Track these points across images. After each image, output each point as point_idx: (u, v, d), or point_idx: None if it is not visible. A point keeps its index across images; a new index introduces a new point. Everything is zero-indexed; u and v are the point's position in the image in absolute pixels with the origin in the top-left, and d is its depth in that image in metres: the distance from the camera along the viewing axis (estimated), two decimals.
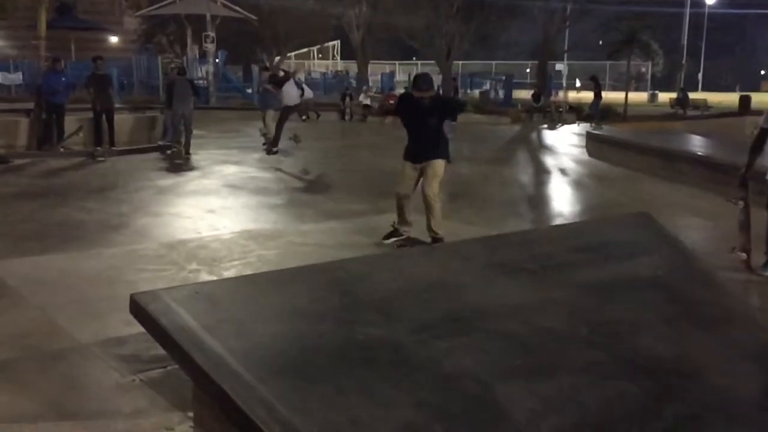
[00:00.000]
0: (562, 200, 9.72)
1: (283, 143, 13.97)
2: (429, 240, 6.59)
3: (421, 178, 6.61)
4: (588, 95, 27.15)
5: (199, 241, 6.71)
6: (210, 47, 26.65)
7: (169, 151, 14.11)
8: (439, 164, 6.57)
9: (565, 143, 18.72)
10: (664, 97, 46.88)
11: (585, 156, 15.22)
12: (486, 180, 11.31)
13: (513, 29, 47.15)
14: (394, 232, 6.73)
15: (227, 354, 3.20)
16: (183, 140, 14.36)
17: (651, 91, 47.36)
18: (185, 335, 3.33)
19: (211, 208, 8.41)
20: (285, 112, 13.75)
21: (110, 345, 4.13)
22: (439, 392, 3.05)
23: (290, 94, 13.94)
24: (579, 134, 20.93)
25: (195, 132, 14.72)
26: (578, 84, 46.75)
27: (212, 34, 26.39)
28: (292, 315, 3.61)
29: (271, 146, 14.83)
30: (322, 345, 3.31)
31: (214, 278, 5.50)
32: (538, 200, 9.70)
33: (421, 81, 6.60)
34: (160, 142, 14.47)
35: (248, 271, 5.69)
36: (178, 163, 12.82)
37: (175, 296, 3.66)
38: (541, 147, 17.55)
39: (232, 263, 5.93)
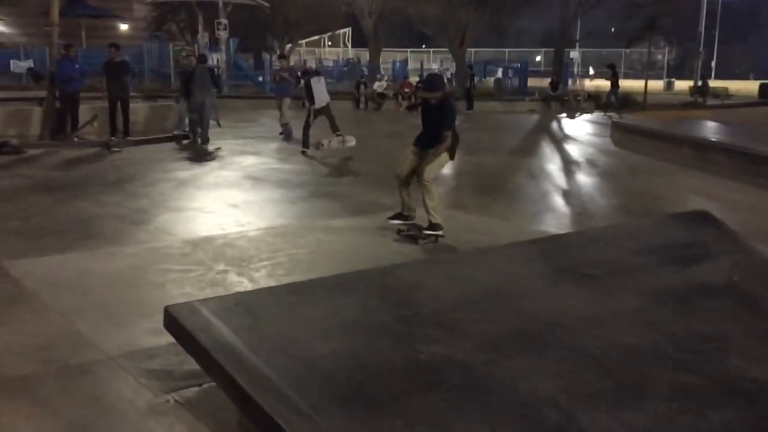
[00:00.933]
0: (597, 193, 9.30)
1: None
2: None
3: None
4: (602, 83, 26.57)
5: (225, 238, 6.36)
6: (222, 34, 26.23)
7: (185, 141, 13.79)
8: (435, 153, 6.46)
9: (587, 132, 18.26)
10: (680, 85, 46.26)
11: (611, 146, 14.78)
12: (514, 171, 10.92)
13: (524, 17, 46.49)
14: (399, 215, 6.75)
15: (276, 376, 2.84)
16: (199, 130, 14.05)
17: (667, 79, 46.61)
18: (228, 354, 2.98)
19: (233, 202, 8.06)
20: (315, 114, 12.28)
21: (139, 358, 3.78)
22: (518, 423, 2.69)
23: (321, 94, 12.33)
24: (600, 123, 20.50)
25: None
26: (592, 72, 46.03)
27: (225, 21, 25.95)
28: (345, 329, 3.26)
29: (288, 135, 14.47)
30: (383, 366, 2.95)
31: (244, 280, 5.16)
32: (571, 193, 9.28)
33: (424, 81, 7.06)
34: (176, 132, 14.13)
35: (279, 272, 5.34)
36: (195, 153, 12.48)
37: (214, 308, 3.32)
38: (564, 136, 17.08)
39: (262, 263, 5.57)
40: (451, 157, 6.64)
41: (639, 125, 14.98)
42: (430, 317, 3.39)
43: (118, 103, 13.39)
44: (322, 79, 13.07)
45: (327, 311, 3.34)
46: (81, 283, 5.02)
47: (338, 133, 12.29)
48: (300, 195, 8.62)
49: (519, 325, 3.41)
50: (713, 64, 55.86)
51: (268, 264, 5.56)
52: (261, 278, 5.20)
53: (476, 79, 27.13)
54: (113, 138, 12.85)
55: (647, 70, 31.51)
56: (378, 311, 3.39)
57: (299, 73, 13.57)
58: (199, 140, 13.34)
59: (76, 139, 12.82)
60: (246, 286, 5.02)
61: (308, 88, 12.27)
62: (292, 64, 49.44)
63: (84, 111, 13.41)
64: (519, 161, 12.13)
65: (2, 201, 7.90)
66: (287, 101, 14.95)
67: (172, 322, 3.22)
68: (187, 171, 10.33)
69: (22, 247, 5.96)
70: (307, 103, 12.39)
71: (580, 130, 19.11)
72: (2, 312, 4.41)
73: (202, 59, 14.42)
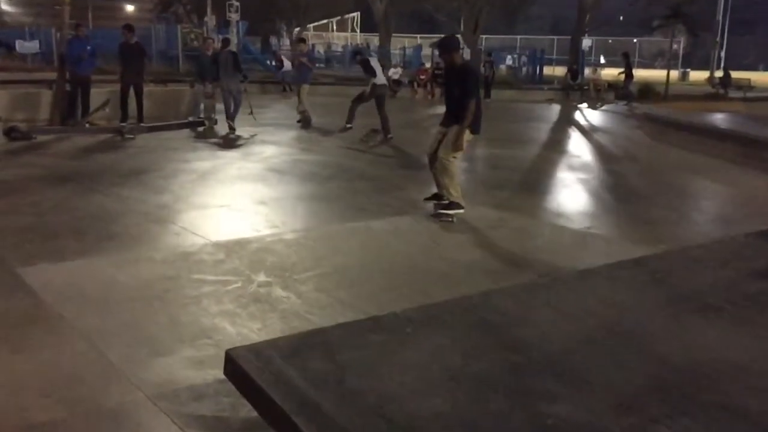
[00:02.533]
0: (660, 194, 8.59)
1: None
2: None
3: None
4: (612, 72, 25.78)
5: (260, 242, 5.74)
6: (234, 17, 25.47)
7: (200, 128, 13.16)
8: (453, 131, 6.54)
9: (615, 124, 17.62)
10: (694, 75, 45.48)
11: (643, 138, 14.15)
12: (555, 167, 10.28)
13: (535, 3, 45.66)
14: (435, 196, 6.83)
15: None
16: (215, 116, 13.44)
17: (682, 69, 45.75)
18: (308, 417, 2.36)
19: (261, 198, 7.43)
20: (372, 92, 12.01)
21: (183, 399, 3.18)
22: None
23: (380, 72, 12.23)
24: (624, 114, 19.84)
25: (218, 107, 13.75)
26: (603, 60, 45.20)
27: (237, 2, 25.19)
28: (448, 382, 2.64)
29: (307, 122, 13.84)
30: None
31: (291, 295, 4.54)
32: (625, 194, 8.60)
33: (439, 45, 7.06)
34: (191, 118, 13.50)
35: (328, 285, 4.73)
36: (212, 141, 11.85)
37: (286, 352, 2.70)
38: (594, 128, 16.39)
39: (306, 273, 4.96)
40: (474, 131, 6.62)
41: (677, 119, 14.31)
42: (545, 364, 2.78)
43: (131, 88, 12.69)
44: (376, 59, 12.84)
45: (422, 356, 2.73)
46: (106, 296, 4.42)
47: (390, 136, 11.75)
48: (330, 191, 7.99)
49: (654, 373, 2.80)
50: (722, 54, 55.05)
51: (313, 275, 4.94)
52: (309, 293, 4.59)
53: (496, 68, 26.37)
54: (125, 124, 12.21)
55: (665, 60, 30.72)
56: (483, 356, 2.78)
57: (354, 56, 13.33)
58: (228, 128, 12.71)
59: (87, 125, 12.20)
60: (294, 302, 4.41)
61: (366, 64, 12.09)
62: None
63: (94, 95, 12.76)
64: (557, 155, 11.49)
65: (13, 193, 7.29)
66: (306, 88, 14.30)
67: (235, 370, 2.62)
68: (206, 161, 9.69)
69: (37, 249, 5.36)
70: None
71: (607, 121, 18.44)
72: (20, 334, 3.81)
73: (226, 43, 13.69)
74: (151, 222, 6.31)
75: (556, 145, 12.88)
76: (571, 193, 8.50)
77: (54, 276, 4.77)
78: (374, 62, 12.21)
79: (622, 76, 23.56)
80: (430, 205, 6.85)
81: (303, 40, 15.89)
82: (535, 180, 9.22)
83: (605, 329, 3.05)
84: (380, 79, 12.03)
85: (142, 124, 12.44)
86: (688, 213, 7.71)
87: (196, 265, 5.09)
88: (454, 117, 6.57)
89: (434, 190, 6.87)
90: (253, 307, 4.32)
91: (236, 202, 7.23)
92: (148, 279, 4.78)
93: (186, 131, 12.86)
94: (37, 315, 4.10)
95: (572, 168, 10.19)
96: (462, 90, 6.50)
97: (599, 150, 12.59)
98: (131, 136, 11.48)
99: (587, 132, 15.67)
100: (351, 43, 52.22)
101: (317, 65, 27.56)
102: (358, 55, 12.84)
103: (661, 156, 11.78)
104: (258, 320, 4.14)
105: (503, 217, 6.95)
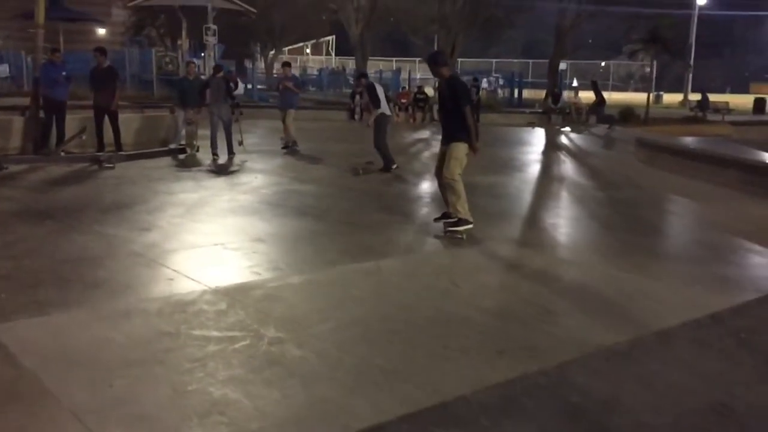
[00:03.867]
0: (676, 226, 8.20)
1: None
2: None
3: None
4: (590, 96, 25.74)
5: (264, 287, 5.19)
6: (211, 40, 24.93)
7: (181, 156, 12.58)
8: (455, 147, 6.80)
9: (607, 149, 17.39)
10: (667, 98, 45.90)
11: (644, 166, 13.82)
12: (559, 196, 9.89)
13: (512, 27, 45.81)
14: (444, 215, 7.01)
15: None
16: (197, 143, 12.89)
17: (656, 92, 46.05)
18: None
19: (257, 234, 6.87)
20: (383, 123, 11.17)
21: None
22: None
23: (384, 102, 11.39)
24: (614, 138, 19.63)
25: (200, 132, 13.21)
26: (576, 84, 45.45)
27: (214, 26, 24.67)
28: None
29: (294, 149, 13.31)
30: None
31: (310, 354, 3.99)
32: (646, 225, 8.16)
33: (428, 59, 7.28)
34: (172, 146, 12.91)
35: (350, 342, 4.18)
36: (197, 170, 11.26)
37: None
38: (587, 154, 16.07)
39: (322, 327, 4.40)
40: (473, 149, 6.81)
41: (670, 143, 14.05)
42: None
43: (106, 115, 12.03)
44: (380, 87, 11.98)
45: None
46: (97, 360, 3.83)
47: (395, 166, 11.07)
48: (330, 225, 7.47)
49: None
50: (689, 76, 55.73)
51: (329, 328, 4.40)
52: (329, 351, 4.04)
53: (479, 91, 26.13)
54: (103, 153, 11.57)
55: (638, 82, 30.77)
56: None
57: (358, 79, 12.31)
58: (227, 155, 12.41)
59: (62, 154, 11.53)
60: (313, 364, 3.86)
61: (372, 91, 11.23)
62: (275, 72, 48.43)
63: (69, 121, 12.12)
64: (557, 183, 11.17)
65: None
66: (292, 113, 13.81)
67: None
68: (193, 193, 9.11)
69: (15, 300, 4.74)
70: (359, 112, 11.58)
71: (597, 145, 18.21)
72: None
73: (219, 68, 13.21)
74: (141, 265, 5.72)
75: (553, 172, 12.52)
76: (585, 227, 8.06)
77: (35, 334, 4.17)
78: (379, 90, 11.43)
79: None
80: (440, 224, 7.03)
81: (288, 64, 15.39)
82: (541, 211, 8.81)
83: (708, 410, 2.56)
84: (385, 108, 11.36)
85: (120, 153, 11.81)
86: (724, 250, 7.23)
87: (197, 318, 4.52)
88: (450, 133, 6.87)
89: (443, 209, 7.12)
90: (267, 372, 3.77)
91: (231, 239, 6.66)
92: (144, 336, 4.20)
93: (167, 159, 12.26)
94: (18, 386, 3.50)
95: (578, 198, 9.79)
96: (453, 101, 6.76)
97: (599, 177, 12.21)
98: (110, 165, 10.85)
99: (580, 157, 15.35)
100: (327, 67, 51.97)
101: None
102: (363, 79, 12.00)
103: (664, 184, 11.41)
104: (275, 388, 3.59)
105: (519, 255, 6.49)
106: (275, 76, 44.89)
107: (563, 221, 8.29)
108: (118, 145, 12.05)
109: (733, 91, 54.17)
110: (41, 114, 11.68)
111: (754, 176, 10.64)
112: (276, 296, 5.01)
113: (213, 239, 6.62)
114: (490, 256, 6.33)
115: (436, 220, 7.10)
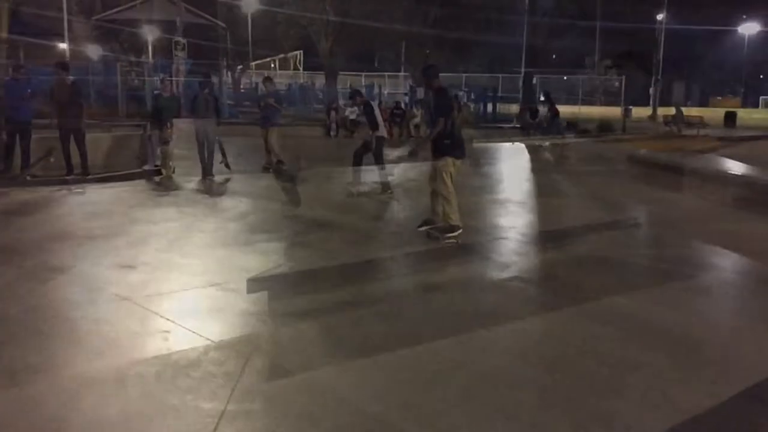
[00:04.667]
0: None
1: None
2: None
3: None
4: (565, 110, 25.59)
5: (275, 339, 4.48)
6: (181, 55, 24.14)
7: (157, 178, 11.76)
8: (441, 161, 7.34)
9: (598, 165, 16.89)
10: (636, 112, 46.20)
11: (642, 185, 13.33)
12: (570, 220, 9.29)
13: (484, 42, 45.64)
14: (427, 221, 7.64)
15: None
16: (173, 164, 12.10)
17: (625, 107, 46.27)
18: None
19: (255, 272, 6.05)
20: (380, 145, 10.63)
21: None
22: None
23: (381, 122, 10.88)
24: (595, 154, 19.24)
25: (177, 152, 12.45)
26: (542, 98, 45.45)
27: (183, 41, 23.90)
28: None
29: (279, 169, 12.57)
30: None
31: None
32: (677, 256, 7.66)
33: (422, 72, 7.93)
34: (146, 167, 12.09)
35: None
36: (175, 194, 10.47)
37: None
38: (582, 172, 15.45)
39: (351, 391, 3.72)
40: (459, 156, 7.33)
41: (663, 160, 13.65)
42: None
43: (71, 135, 11.11)
44: (376, 106, 11.28)
45: None
46: None
47: (390, 192, 10.38)
48: (330, 262, 6.64)
49: None
50: (651, 91, 56.40)
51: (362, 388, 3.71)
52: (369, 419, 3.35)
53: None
54: (71, 176, 10.70)
55: (604, 96, 30.73)
56: None
57: (354, 97, 11.48)
58: (206, 175, 11.69)
59: (28, 178, 10.63)
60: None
61: (369, 110, 10.58)
62: (242, 88, 47.45)
63: (35, 143, 11.23)
64: (564, 203, 10.54)
65: None
66: (275, 131, 13.08)
67: None
68: (175, 221, 8.33)
69: None
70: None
71: (586, 161, 17.74)
72: None
73: (205, 85, 12.39)
74: (128, 313, 4.95)
75: (554, 192, 11.85)
76: (620, 264, 7.44)
77: (9, 409, 3.40)
78: (376, 109, 10.81)
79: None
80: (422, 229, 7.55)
81: (270, 79, 14.64)
82: (559, 243, 8.19)
83: None
84: (382, 130, 10.73)
85: (89, 176, 10.93)
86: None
87: (205, 385, 3.79)
88: (436, 146, 7.37)
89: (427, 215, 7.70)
90: None
91: (226, 277, 5.90)
92: (143, 413, 3.46)
93: (141, 181, 11.42)
94: None
95: (592, 226, 9.18)
96: (433, 110, 7.38)
97: (606, 199, 11.54)
98: (80, 190, 9.98)
99: (571, 172, 14.82)
100: (295, 82, 51.22)
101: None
102: (358, 97, 11.24)
103: (670, 205, 10.91)
104: None
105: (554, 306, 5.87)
106: (243, 91, 44.15)
107: (578, 249, 7.70)
108: (84, 168, 11.12)
109: (692, 105, 54.82)
110: (3, 136, 10.76)
111: (748, 193, 10.27)
112: (292, 349, 4.30)
113: (207, 278, 5.87)
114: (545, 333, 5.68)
115: (419, 227, 7.65)
